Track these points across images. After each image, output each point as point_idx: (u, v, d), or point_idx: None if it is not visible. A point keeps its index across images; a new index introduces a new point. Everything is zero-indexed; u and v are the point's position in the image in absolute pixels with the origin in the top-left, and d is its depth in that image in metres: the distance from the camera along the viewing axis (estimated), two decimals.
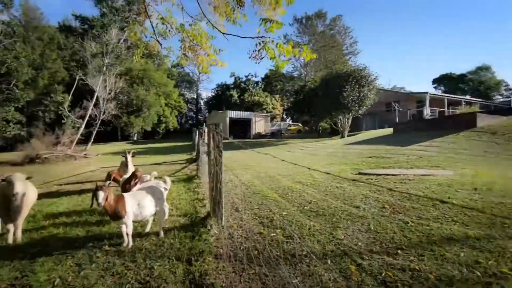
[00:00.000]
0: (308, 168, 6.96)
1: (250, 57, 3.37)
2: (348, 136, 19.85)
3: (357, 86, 18.24)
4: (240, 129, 34.99)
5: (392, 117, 22.97)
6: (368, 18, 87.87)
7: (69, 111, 25.66)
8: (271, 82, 49.58)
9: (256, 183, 6.49)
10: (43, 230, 3.91)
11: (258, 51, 3.24)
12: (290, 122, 41.20)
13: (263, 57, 3.31)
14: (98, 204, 2.90)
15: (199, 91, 57.88)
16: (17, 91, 26.91)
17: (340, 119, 20.23)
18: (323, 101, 20.03)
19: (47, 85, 30.76)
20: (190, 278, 2.51)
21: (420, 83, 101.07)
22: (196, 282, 2.45)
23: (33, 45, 31.09)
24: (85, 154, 18.17)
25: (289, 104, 42.03)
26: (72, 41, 33.03)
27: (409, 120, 20.37)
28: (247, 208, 4.47)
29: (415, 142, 11.61)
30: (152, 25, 4.03)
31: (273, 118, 38.98)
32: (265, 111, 39.33)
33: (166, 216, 3.71)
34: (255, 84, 47.49)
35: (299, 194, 5.21)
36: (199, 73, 55.58)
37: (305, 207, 4.35)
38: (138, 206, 3.27)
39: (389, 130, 18.30)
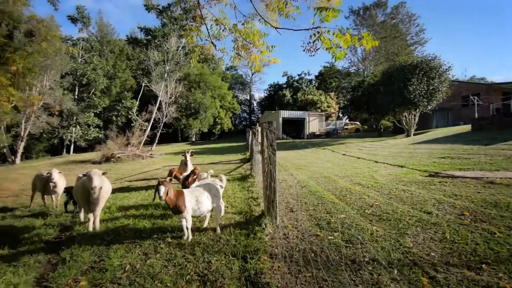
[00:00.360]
0: (376, 162, 6.39)
1: (304, 50, 3.23)
2: (414, 134, 17.88)
3: (425, 79, 16.29)
4: (294, 128, 34.49)
5: (469, 112, 20.08)
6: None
7: (137, 115, 28.85)
8: (325, 79, 47.74)
9: (311, 183, 6.26)
10: (116, 221, 4.37)
11: (313, 42, 3.09)
12: (347, 121, 38.91)
13: (318, 49, 3.15)
14: (160, 197, 3.10)
15: (252, 92, 59.16)
16: (95, 98, 31.59)
17: (405, 116, 18.29)
18: (385, 96, 18.42)
19: (119, 93, 35.22)
20: (246, 275, 2.50)
21: (507, 72, 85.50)
22: (252, 279, 2.43)
23: (107, 58, 36.18)
24: (151, 154, 20.07)
25: (345, 102, 39.95)
26: (138, 51, 37.22)
27: (493, 115, 17.47)
28: (302, 209, 4.32)
29: (501, 140, 9.85)
30: (206, 27, 4.19)
31: (328, 117, 37.30)
32: (319, 110, 38.05)
33: (222, 213, 3.81)
34: (309, 83, 46.14)
35: (358, 196, 4.85)
36: (252, 74, 56.93)
37: (366, 211, 4.00)
38: (196, 202, 3.42)
39: (465, 127, 15.98)
